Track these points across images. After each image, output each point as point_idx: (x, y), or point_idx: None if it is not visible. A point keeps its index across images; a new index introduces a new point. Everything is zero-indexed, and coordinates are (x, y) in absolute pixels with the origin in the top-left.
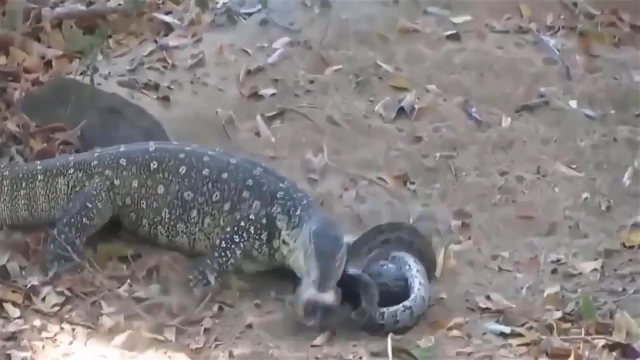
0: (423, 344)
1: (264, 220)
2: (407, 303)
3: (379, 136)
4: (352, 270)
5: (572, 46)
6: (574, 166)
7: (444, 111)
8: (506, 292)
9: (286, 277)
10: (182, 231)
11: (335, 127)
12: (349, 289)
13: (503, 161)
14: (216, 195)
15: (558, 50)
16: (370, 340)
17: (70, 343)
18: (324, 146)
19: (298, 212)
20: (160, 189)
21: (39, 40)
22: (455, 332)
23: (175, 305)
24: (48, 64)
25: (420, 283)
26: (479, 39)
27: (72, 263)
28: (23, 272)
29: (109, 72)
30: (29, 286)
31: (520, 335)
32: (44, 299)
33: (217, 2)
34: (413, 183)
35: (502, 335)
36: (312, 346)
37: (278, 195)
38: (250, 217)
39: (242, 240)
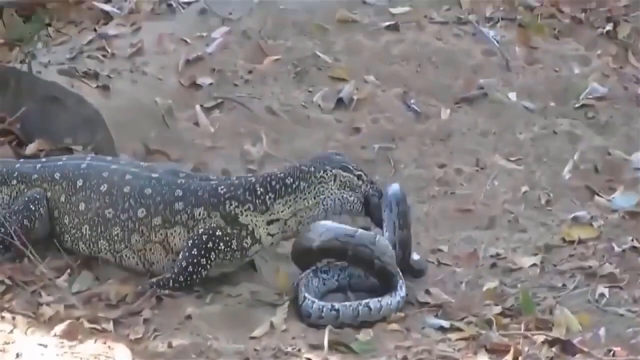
0: (362, 337)
1: (228, 229)
2: None
3: (318, 127)
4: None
5: (511, 38)
6: (513, 159)
7: (383, 102)
8: (445, 287)
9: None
10: (104, 248)
11: (274, 117)
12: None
13: (442, 153)
14: (142, 212)
15: (497, 41)
16: (308, 333)
17: (11, 332)
18: (263, 136)
19: (258, 190)
20: (82, 206)
21: None
22: (394, 326)
23: (113, 295)
24: None
25: None
26: (418, 30)
27: (11, 253)
28: None
29: (49, 61)
30: None
31: (459, 329)
32: None
33: None
34: None
35: (441, 329)
36: (251, 338)
37: (220, 191)
38: (217, 233)
39: (209, 261)
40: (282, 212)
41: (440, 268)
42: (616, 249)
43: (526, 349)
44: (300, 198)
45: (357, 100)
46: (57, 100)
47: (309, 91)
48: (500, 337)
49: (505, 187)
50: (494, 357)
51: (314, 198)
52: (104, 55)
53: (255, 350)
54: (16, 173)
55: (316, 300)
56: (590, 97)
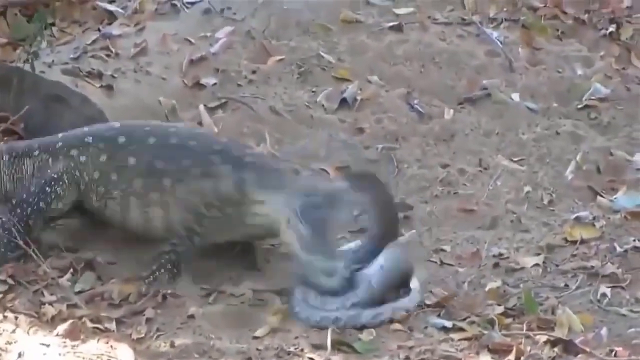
0: (364, 337)
1: (231, 187)
2: None
3: (321, 127)
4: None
5: (515, 39)
6: (516, 159)
7: (386, 102)
8: (448, 286)
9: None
10: (155, 200)
11: (278, 117)
12: None
13: (445, 153)
14: (186, 162)
15: (501, 42)
16: (311, 333)
17: (13, 331)
18: (266, 136)
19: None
20: (132, 160)
21: None
22: (396, 326)
23: (115, 295)
24: None
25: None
26: (421, 30)
27: (19, 251)
28: None
29: (53, 60)
30: None
31: (461, 329)
32: None
33: None
34: None
35: (444, 329)
36: (254, 338)
37: (247, 160)
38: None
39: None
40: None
41: (443, 268)
42: (618, 249)
43: (528, 348)
44: None
45: (360, 100)
46: (61, 99)
47: (313, 91)
48: (502, 337)
49: (508, 187)
50: (497, 357)
51: None
52: (107, 55)
53: (257, 350)
54: (37, 144)
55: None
56: (593, 98)
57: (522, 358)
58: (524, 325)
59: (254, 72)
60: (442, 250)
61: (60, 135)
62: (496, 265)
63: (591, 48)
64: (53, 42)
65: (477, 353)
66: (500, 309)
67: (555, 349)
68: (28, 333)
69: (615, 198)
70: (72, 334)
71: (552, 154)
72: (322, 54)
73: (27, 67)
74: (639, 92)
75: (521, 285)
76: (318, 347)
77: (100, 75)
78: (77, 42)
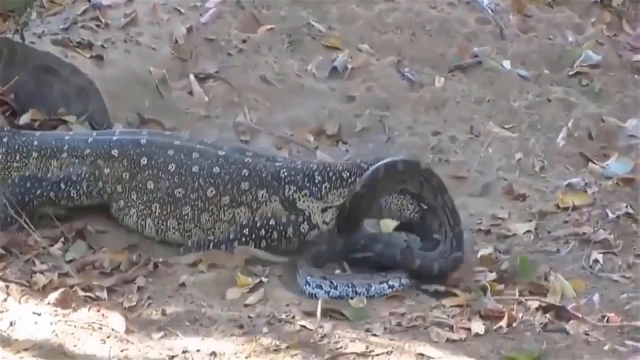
0: (355, 304)
1: (283, 218)
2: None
3: (312, 95)
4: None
5: (505, 6)
6: (507, 126)
7: (377, 71)
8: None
9: None
10: (173, 227)
11: (268, 86)
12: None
13: (436, 121)
14: (211, 191)
15: (492, 10)
16: (302, 300)
17: (4, 300)
18: (245, 110)
19: (317, 179)
20: (150, 185)
21: None
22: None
23: (107, 264)
24: None
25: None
26: None
27: (15, 224)
28: None
29: (43, 31)
30: None
31: (453, 296)
32: None
33: None
34: (346, 142)
35: (435, 296)
36: (245, 305)
37: (282, 175)
38: (270, 222)
39: (258, 246)
40: (336, 202)
41: None
42: (610, 215)
43: (520, 315)
44: None
45: (351, 69)
46: (51, 70)
47: (303, 60)
48: (494, 304)
49: (499, 154)
50: (488, 323)
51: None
52: (97, 26)
53: (249, 317)
54: (67, 146)
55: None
56: (584, 64)
57: (514, 324)
58: (516, 292)
59: (244, 41)
60: None
61: (90, 139)
62: (488, 232)
63: (582, 15)
64: (43, 13)
65: (469, 319)
66: (493, 276)
67: (547, 315)
68: (19, 302)
69: (607, 164)
70: (63, 303)
71: (544, 121)
72: (312, 22)
73: (17, 37)
74: (631, 58)
75: (516, 250)
76: (309, 314)
77: (90, 46)
78: (67, 13)
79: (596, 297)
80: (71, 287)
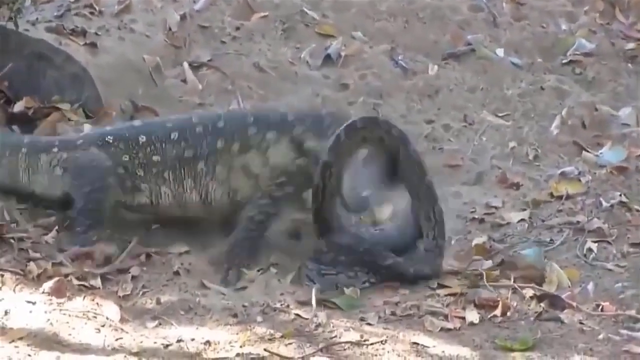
0: (349, 292)
1: (294, 166)
2: None
3: (305, 83)
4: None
5: None
6: (501, 115)
7: (370, 59)
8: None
9: None
10: (189, 187)
11: (262, 74)
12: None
13: (429, 109)
14: (220, 143)
15: None
16: (297, 289)
17: None
18: (238, 96)
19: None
20: (156, 158)
21: None
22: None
23: (100, 253)
24: None
25: None
26: None
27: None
28: None
29: (37, 19)
30: None
31: (447, 285)
32: None
33: None
34: None
35: (429, 286)
36: (237, 289)
37: (289, 118)
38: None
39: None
40: None
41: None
42: (604, 204)
43: (514, 304)
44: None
45: (344, 56)
46: (45, 57)
47: (297, 48)
48: (488, 293)
49: (493, 142)
50: (483, 312)
51: None
52: (91, 13)
53: (243, 306)
54: (57, 141)
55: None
56: (578, 53)
57: (508, 313)
58: (511, 280)
59: (237, 28)
60: None
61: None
62: (482, 220)
63: (575, 3)
64: (37, 0)
65: (464, 308)
66: (487, 264)
67: (542, 304)
68: (14, 291)
69: (600, 153)
70: (57, 292)
71: (537, 109)
72: (306, 10)
73: (10, 25)
74: (624, 47)
75: (507, 240)
76: (304, 303)
77: (84, 33)
78: (61, 0)
79: (590, 286)
80: (65, 276)
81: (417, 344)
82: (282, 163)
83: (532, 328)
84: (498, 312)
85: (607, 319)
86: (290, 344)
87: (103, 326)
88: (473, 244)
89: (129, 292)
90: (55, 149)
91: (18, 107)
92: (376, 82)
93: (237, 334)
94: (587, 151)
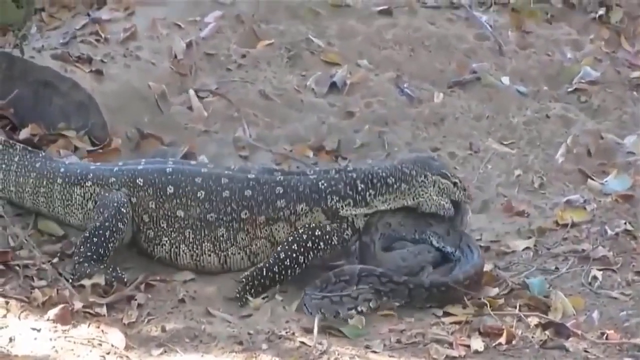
0: (354, 322)
1: (327, 226)
2: None
3: (311, 111)
4: None
5: (504, 22)
6: (506, 143)
7: (376, 86)
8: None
9: None
10: (208, 250)
11: (267, 101)
12: None
13: (435, 137)
14: (245, 213)
15: (490, 26)
16: (302, 317)
17: (4, 316)
18: (244, 125)
19: (359, 186)
20: (180, 213)
21: None
22: (385, 311)
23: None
24: None
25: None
26: (410, 14)
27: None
28: None
29: (42, 46)
30: None
31: (452, 313)
32: None
33: None
34: (345, 158)
35: (434, 313)
36: (242, 317)
37: (321, 186)
38: (317, 233)
39: (306, 259)
40: (380, 208)
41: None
42: (609, 232)
43: (519, 331)
44: (400, 198)
45: (350, 84)
46: (51, 84)
47: (302, 75)
48: (493, 321)
49: (498, 170)
50: (488, 340)
51: (413, 200)
52: (97, 40)
53: (249, 333)
54: (91, 175)
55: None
56: (583, 81)
57: (513, 341)
58: (516, 308)
59: (243, 56)
60: None
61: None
62: (487, 248)
63: (581, 31)
64: (42, 27)
65: (469, 336)
66: (493, 292)
67: (547, 332)
68: (19, 318)
69: (605, 181)
70: (62, 319)
71: (543, 137)
72: (312, 37)
73: (16, 52)
74: (629, 75)
75: (512, 268)
76: (309, 331)
77: (89, 60)
78: (67, 27)
79: (595, 314)
80: (70, 303)
81: None
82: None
83: (537, 356)
84: (503, 340)
85: (612, 347)
86: None
87: (108, 353)
88: None
89: (134, 320)
90: (89, 183)
91: (24, 134)
92: (382, 110)
93: None
94: (593, 179)
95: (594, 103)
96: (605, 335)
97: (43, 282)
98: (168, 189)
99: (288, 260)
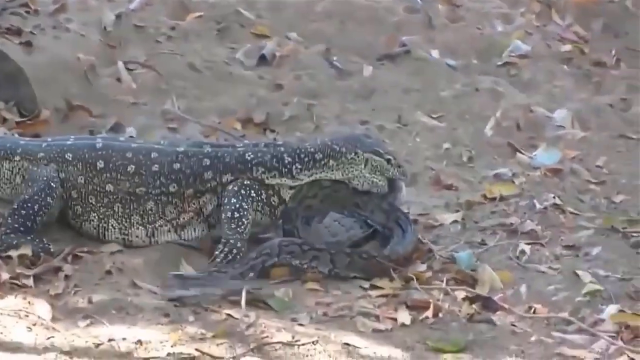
0: (280, 294)
1: (256, 185)
2: None
3: (240, 83)
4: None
5: None
6: (435, 116)
7: (305, 59)
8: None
9: None
10: (137, 222)
11: (196, 73)
12: None
13: (364, 110)
14: (173, 187)
15: None
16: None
17: None
18: (173, 98)
19: (286, 159)
20: (109, 187)
21: None
22: (311, 285)
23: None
24: None
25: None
26: None
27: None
28: None
29: None
30: None
31: (379, 287)
32: None
33: None
34: (274, 131)
35: (361, 286)
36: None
37: (247, 157)
38: (245, 182)
39: (249, 204)
40: (306, 181)
41: None
42: (537, 206)
43: (447, 305)
44: (327, 174)
45: (279, 57)
46: None
47: (232, 48)
48: (421, 294)
49: (427, 144)
50: (415, 314)
51: (342, 176)
52: (27, 12)
53: (175, 306)
54: (20, 149)
55: None
56: (513, 54)
57: (440, 314)
58: (443, 282)
59: (172, 28)
60: None
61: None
62: (415, 221)
63: (511, 5)
64: None
65: (395, 309)
66: (419, 266)
67: (474, 306)
68: None
69: (534, 155)
70: None
71: (472, 110)
72: (241, 10)
73: None
74: (559, 48)
75: (440, 242)
76: (235, 303)
77: (19, 32)
78: None
79: (523, 288)
80: None
81: (349, 344)
82: None
83: (464, 330)
84: (430, 313)
85: (539, 321)
86: (221, 344)
87: (34, 325)
88: None
89: (60, 291)
90: (18, 158)
91: None
92: (311, 83)
93: (168, 333)
94: (522, 153)
95: (524, 76)
96: (533, 309)
97: None
98: (98, 163)
99: (237, 213)
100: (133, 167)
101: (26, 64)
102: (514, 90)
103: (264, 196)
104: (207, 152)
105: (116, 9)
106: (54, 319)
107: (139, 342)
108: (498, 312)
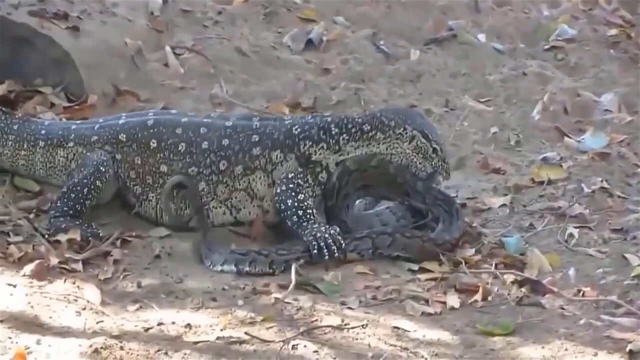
0: (330, 278)
1: (300, 168)
2: None
3: (287, 68)
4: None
5: None
6: (482, 100)
7: (352, 43)
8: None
9: None
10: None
11: (244, 58)
12: None
13: (411, 94)
14: (223, 164)
15: None
16: (278, 273)
17: None
18: (222, 83)
19: (333, 130)
20: (163, 168)
21: None
22: (360, 268)
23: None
24: None
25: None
26: None
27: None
28: None
29: (19, 2)
30: None
31: (428, 270)
32: None
33: None
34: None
35: (410, 270)
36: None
37: (294, 131)
38: (289, 175)
39: (302, 193)
40: (352, 154)
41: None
42: (585, 189)
43: (496, 288)
44: (373, 146)
45: (326, 41)
46: (27, 41)
47: (279, 32)
48: (469, 277)
49: (474, 127)
50: (463, 297)
51: (386, 150)
52: None
53: (223, 289)
54: (73, 135)
55: None
56: (560, 39)
57: (489, 298)
58: (492, 265)
59: (219, 13)
60: None
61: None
62: (463, 205)
63: None
64: None
65: (444, 293)
66: (468, 250)
67: (523, 289)
68: None
69: (582, 139)
70: (38, 275)
71: (519, 94)
72: None
73: None
74: (606, 33)
75: (489, 225)
76: (284, 287)
77: (66, 17)
78: None
79: (572, 272)
80: (46, 259)
81: (398, 328)
82: None
83: (513, 313)
84: (479, 297)
85: (588, 304)
86: (271, 327)
87: (84, 309)
88: None
89: (110, 276)
90: (72, 144)
91: (0, 90)
92: (358, 67)
93: (217, 317)
94: (569, 137)
95: (571, 61)
96: (582, 292)
97: (19, 238)
98: (151, 143)
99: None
100: (184, 145)
101: (73, 49)
102: (560, 74)
103: (311, 179)
104: (256, 127)
105: None
106: (103, 303)
107: (188, 325)
108: (547, 296)
